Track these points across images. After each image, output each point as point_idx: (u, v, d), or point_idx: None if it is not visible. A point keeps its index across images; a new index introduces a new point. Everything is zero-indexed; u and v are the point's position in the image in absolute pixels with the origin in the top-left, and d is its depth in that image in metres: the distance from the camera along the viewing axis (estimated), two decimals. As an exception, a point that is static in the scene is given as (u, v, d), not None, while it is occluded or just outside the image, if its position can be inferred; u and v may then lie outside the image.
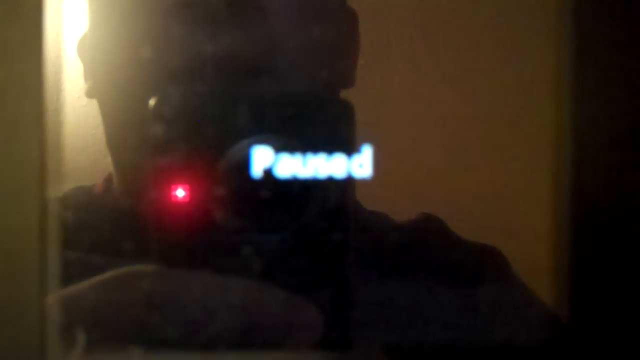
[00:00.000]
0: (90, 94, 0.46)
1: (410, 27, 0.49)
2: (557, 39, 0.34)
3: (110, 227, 0.41)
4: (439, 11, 0.52)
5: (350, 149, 0.32)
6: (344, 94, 0.44)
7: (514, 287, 0.46)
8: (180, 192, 0.31)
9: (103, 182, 0.48)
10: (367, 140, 0.32)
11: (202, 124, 0.32)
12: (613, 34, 0.33)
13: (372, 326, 0.41)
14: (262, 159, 0.32)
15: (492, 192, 0.50)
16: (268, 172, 0.31)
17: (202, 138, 0.32)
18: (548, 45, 0.35)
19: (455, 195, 0.50)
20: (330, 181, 0.32)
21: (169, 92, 0.33)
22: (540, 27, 0.42)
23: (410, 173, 0.46)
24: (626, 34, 0.33)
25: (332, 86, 0.43)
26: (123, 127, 0.42)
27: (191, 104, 0.32)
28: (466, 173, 0.51)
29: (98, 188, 0.48)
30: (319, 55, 0.41)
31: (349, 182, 0.32)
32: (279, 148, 0.31)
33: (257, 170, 0.32)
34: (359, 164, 0.32)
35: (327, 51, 0.42)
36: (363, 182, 0.33)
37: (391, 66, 0.53)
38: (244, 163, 0.31)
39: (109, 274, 0.32)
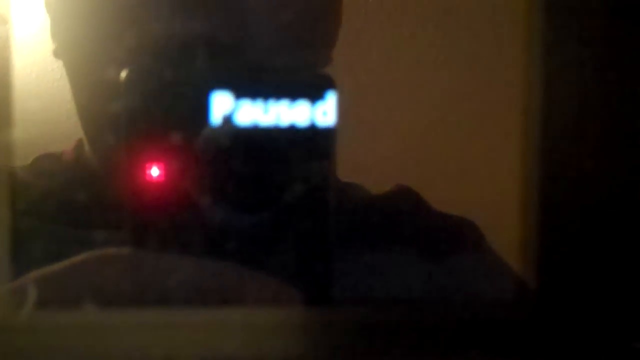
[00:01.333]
0: (57, 54, 0.44)
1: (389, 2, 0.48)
2: (528, 15, 0.34)
3: (80, 197, 0.40)
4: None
5: (314, 95, 0.31)
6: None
7: (487, 257, 0.47)
8: (154, 171, 0.31)
9: (73, 149, 0.46)
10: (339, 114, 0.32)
11: (173, 99, 0.31)
12: (582, 24, 0.33)
13: (349, 294, 0.41)
14: (222, 105, 0.31)
15: (463, 163, 0.50)
16: (227, 119, 0.31)
17: (174, 115, 0.31)
18: (519, 20, 0.35)
19: (427, 167, 0.51)
20: (309, 144, 0.31)
21: (140, 65, 0.32)
22: (511, 5, 0.42)
23: (382, 145, 0.46)
24: (595, 25, 0.33)
25: (308, 66, 0.42)
26: (91, 96, 0.40)
27: (163, 78, 0.31)
28: (437, 145, 0.51)
29: (68, 155, 0.46)
30: (296, 35, 0.41)
31: (329, 147, 0.31)
32: (239, 95, 0.31)
33: (216, 117, 0.31)
34: (323, 112, 0.31)
35: (304, 31, 0.41)
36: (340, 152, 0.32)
37: (368, 39, 0.53)
38: (220, 140, 0.31)
39: (80, 257, 0.31)
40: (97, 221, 0.36)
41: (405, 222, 0.47)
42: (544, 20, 0.33)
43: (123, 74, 0.31)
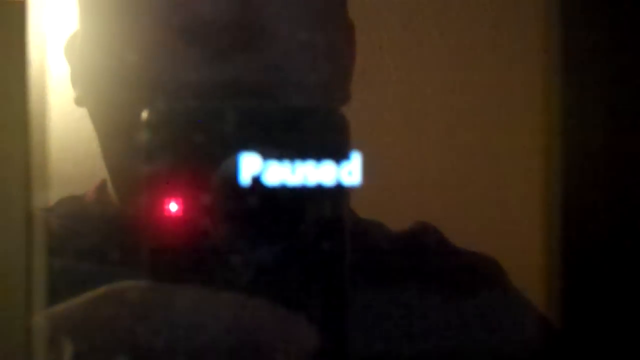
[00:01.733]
0: (79, 102, 0.44)
1: (404, 40, 0.49)
2: (546, 56, 0.34)
3: (104, 237, 0.40)
4: (431, 25, 0.53)
5: (339, 156, 0.32)
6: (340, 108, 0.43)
7: (510, 295, 0.46)
8: (173, 206, 0.31)
9: (95, 190, 0.47)
10: (357, 147, 0.32)
11: (194, 138, 0.32)
12: (599, 45, 0.33)
13: (368, 337, 0.40)
14: (251, 166, 0.31)
15: (485, 201, 0.50)
16: (256, 180, 0.31)
17: (194, 152, 0.32)
18: (537, 61, 0.35)
19: (449, 204, 0.51)
20: (323, 190, 0.32)
21: (161, 105, 0.33)
22: (529, 42, 0.42)
23: (403, 181, 0.46)
24: (611, 43, 0.33)
25: (328, 102, 0.42)
26: (115, 138, 0.41)
27: (183, 118, 0.32)
28: (460, 182, 0.51)
29: (90, 196, 0.47)
30: (318, 76, 0.41)
31: (343, 190, 0.32)
32: (267, 156, 0.31)
33: (245, 178, 0.31)
34: (348, 172, 0.32)
35: (325, 68, 0.42)
36: (356, 189, 0.33)
37: (385, 78, 0.53)
38: (236, 176, 0.31)
39: (100, 290, 0.31)
40: (120, 259, 0.37)
41: (427, 259, 0.46)
42: (564, 69, 0.33)
43: (144, 114, 0.32)
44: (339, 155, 0.31)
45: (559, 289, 0.32)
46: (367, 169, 0.32)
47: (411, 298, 0.43)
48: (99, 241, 0.41)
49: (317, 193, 0.31)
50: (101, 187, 0.47)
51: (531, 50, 0.38)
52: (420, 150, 0.48)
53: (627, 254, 0.32)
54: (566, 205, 0.33)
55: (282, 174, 0.31)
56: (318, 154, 0.31)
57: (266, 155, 0.31)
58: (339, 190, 0.32)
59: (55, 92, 0.42)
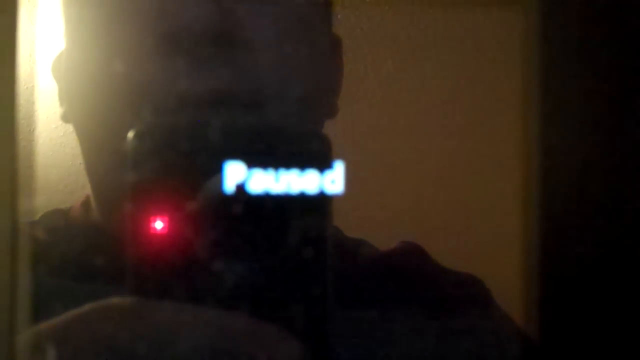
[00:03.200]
0: (66, 119, 0.45)
1: (387, 56, 0.50)
2: (524, 75, 0.35)
3: (88, 252, 0.40)
4: (415, 44, 0.54)
5: (322, 165, 0.32)
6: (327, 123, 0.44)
7: (495, 314, 0.46)
8: (158, 224, 0.32)
9: (80, 205, 0.47)
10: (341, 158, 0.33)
11: (180, 155, 0.32)
12: (579, 63, 0.34)
13: (351, 354, 0.41)
14: (235, 175, 0.32)
15: (466, 221, 0.51)
16: (241, 188, 0.32)
17: (180, 170, 0.32)
18: (515, 79, 0.36)
19: (431, 224, 0.51)
20: (307, 200, 0.32)
21: (147, 124, 0.33)
22: (507, 61, 0.43)
23: (387, 200, 0.47)
24: (588, 62, 0.34)
25: (315, 118, 0.43)
26: (100, 155, 0.41)
27: (170, 137, 0.32)
28: (442, 202, 0.52)
29: (74, 211, 0.47)
30: (303, 89, 0.41)
31: (326, 201, 0.32)
32: (251, 164, 0.32)
33: (229, 186, 0.32)
34: (331, 180, 0.32)
35: (312, 84, 0.42)
36: (340, 205, 0.33)
37: (370, 95, 0.54)
38: (222, 193, 0.32)
39: (86, 307, 0.31)
40: (103, 275, 0.37)
41: (413, 279, 0.47)
42: (544, 86, 0.34)
43: (131, 134, 0.32)
44: (322, 164, 0.32)
45: (538, 306, 0.33)
46: (351, 180, 0.32)
47: (396, 316, 0.43)
48: (82, 256, 0.41)
49: (301, 203, 0.32)
50: (87, 202, 0.47)
51: (509, 76, 0.39)
52: (405, 171, 0.49)
53: (606, 273, 0.32)
54: (546, 225, 0.34)
55: (265, 182, 0.32)
56: (301, 163, 0.32)
57: (250, 164, 0.31)
58: (323, 200, 0.32)
59: (43, 107, 0.43)
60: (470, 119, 0.52)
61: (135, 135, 0.32)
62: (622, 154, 0.33)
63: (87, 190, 0.46)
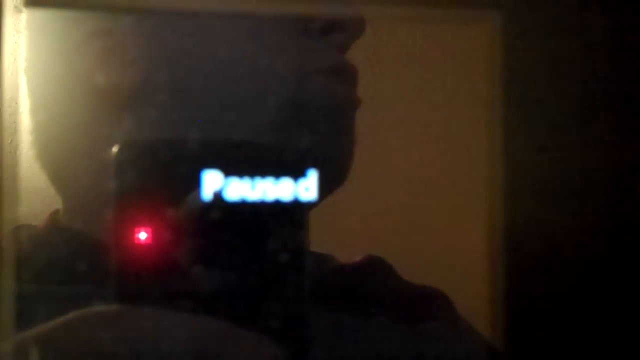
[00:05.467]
0: (37, 130, 0.45)
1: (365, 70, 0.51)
2: (489, 88, 0.37)
3: (60, 263, 0.40)
4: (382, 59, 0.55)
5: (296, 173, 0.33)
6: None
7: (457, 325, 0.48)
8: (142, 234, 0.33)
9: (48, 218, 0.47)
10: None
11: (162, 169, 0.33)
12: (542, 77, 0.36)
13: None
14: (212, 183, 0.33)
15: (433, 236, 0.52)
16: (218, 195, 0.33)
17: (163, 182, 0.33)
18: (480, 93, 0.38)
19: (398, 239, 0.52)
20: (286, 211, 0.33)
21: (131, 140, 0.34)
22: (472, 76, 0.45)
23: (351, 212, 0.48)
24: (552, 76, 0.36)
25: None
26: (78, 171, 0.42)
27: (152, 150, 0.33)
28: (408, 218, 0.53)
29: (44, 224, 0.47)
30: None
31: (304, 213, 0.33)
32: (228, 173, 0.33)
33: (207, 194, 0.33)
34: (305, 188, 0.33)
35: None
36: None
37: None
38: (202, 203, 0.33)
39: (69, 315, 0.31)
40: (79, 283, 0.37)
41: (377, 292, 0.48)
42: (507, 100, 0.36)
43: (114, 149, 0.33)
44: (296, 171, 0.33)
45: (502, 317, 0.34)
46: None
47: (362, 329, 0.44)
48: (54, 268, 0.42)
49: (280, 210, 0.33)
50: (54, 215, 0.47)
51: (477, 90, 0.41)
52: (368, 183, 0.50)
53: (569, 285, 0.34)
54: (509, 240, 0.35)
55: (242, 190, 0.33)
56: (276, 172, 0.33)
57: (228, 173, 0.33)
58: (300, 208, 0.33)
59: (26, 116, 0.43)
60: (435, 133, 0.54)
61: (120, 149, 0.33)
62: (585, 166, 0.35)
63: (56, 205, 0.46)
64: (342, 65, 0.45)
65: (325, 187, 0.42)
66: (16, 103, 0.38)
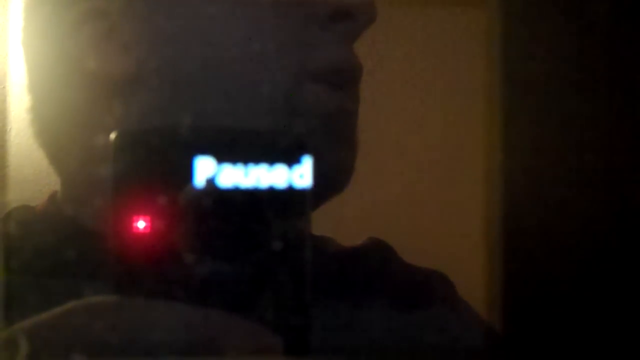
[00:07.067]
0: (34, 112, 0.45)
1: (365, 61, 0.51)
2: (487, 74, 0.37)
3: (56, 249, 0.40)
4: (379, 43, 0.55)
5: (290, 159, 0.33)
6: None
7: (458, 307, 0.48)
8: (141, 223, 0.33)
9: (47, 200, 0.47)
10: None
11: (161, 156, 0.33)
12: (541, 62, 0.36)
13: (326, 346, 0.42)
14: (206, 170, 0.33)
15: (433, 218, 0.52)
16: (211, 182, 0.33)
17: (161, 170, 0.33)
18: (479, 79, 0.38)
19: (400, 222, 0.52)
20: (285, 198, 0.33)
21: (129, 127, 0.34)
22: (470, 61, 0.45)
23: (355, 198, 0.48)
24: (550, 61, 0.35)
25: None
26: (77, 157, 0.42)
27: (152, 139, 0.33)
28: (410, 201, 0.53)
29: (41, 207, 0.47)
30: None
31: (305, 200, 0.33)
32: (222, 160, 0.33)
33: (200, 181, 0.33)
34: (300, 175, 0.33)
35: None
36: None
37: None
38: (202, 194, 0.33)
39: (68, 305, 0.31)
40: (75, 269, 0.37)
41: (379, 274, 0.48)
42: (506, 86, 0.36)
43: (112, 135, 0.33)
44: (290, 158, 0.33)
45: (500, 299, 0.34)
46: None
47: (364, 311, 0.44)
48: (53, 251, 0.41)
49: (279, 198, 0.33)
50: (52, 197, 0.47)
51: (475, 75, 0.40)
52: (370, 167, 0.50)
53: (566, 267, 0.34)
54: (507, 223, 0.35)
55: (235, 177, 0.33)
56: (270, 158, 0.32)
57: (222, 160, 0.32)
58: (301, 195, 0.33)
59: (15, 104, 0.43)
60: (435, 119, 0.54)
61: (118, 136, 0.33)
62: (584, 154, 0.35)
63: (57, 186, 0.46)
64: (344, 64, 0.44)
65: (323, 196, 0.42)
66: (4, 87, 0.38)
